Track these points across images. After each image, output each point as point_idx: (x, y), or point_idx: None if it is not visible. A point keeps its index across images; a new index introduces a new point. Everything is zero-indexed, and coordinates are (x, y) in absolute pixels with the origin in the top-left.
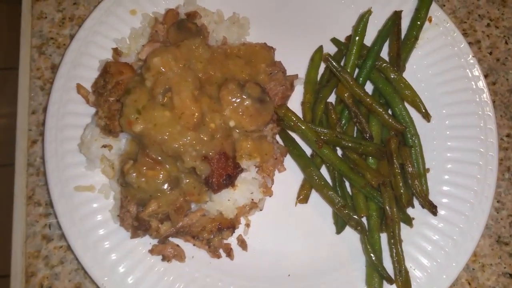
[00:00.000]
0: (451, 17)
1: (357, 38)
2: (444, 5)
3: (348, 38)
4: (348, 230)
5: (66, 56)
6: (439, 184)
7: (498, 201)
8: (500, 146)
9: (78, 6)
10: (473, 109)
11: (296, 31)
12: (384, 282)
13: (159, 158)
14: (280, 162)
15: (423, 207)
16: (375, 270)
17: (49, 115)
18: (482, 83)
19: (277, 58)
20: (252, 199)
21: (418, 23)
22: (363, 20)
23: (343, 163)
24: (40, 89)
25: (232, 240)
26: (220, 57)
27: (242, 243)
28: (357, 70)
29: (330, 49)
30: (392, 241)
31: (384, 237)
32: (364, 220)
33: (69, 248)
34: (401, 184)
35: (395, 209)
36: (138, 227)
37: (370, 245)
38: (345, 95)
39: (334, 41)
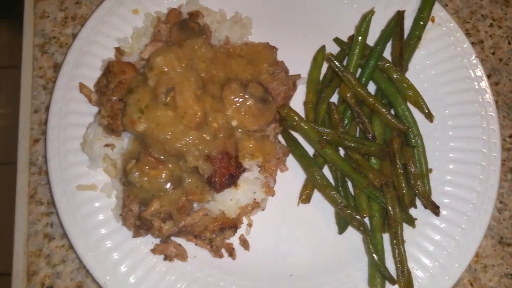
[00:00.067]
0: (454, 17)
1: (359, 38)
2: (447, 5)
3: (351, 38)
4: (350, 230)
5: (68, 55)
6: (442, 184)
7: (500, 202)
8: (503, 147)
9: (80, 5)
10: (476, 109)
11: (299, 31)
12: (387, 283)
13: (162, 157)
14: (282, 162)
15: (425, 207)
16: (377, 270)
17: (51, 114)
18: (485, 84)
19: (280, 57)
20: (255, 199)
21: (421, 23)
22: (366, 20)
23: (345, 163)
24: (42, 88)
25: (234, 240)
26: (223, 57)
27: (244, 243)
28: (359, 70)
29: (333, 49)
30: (394, 241)
31: (386, 237)
32: (366, 220)
33: (71, 247)
34: (403, 185)
35: (397, 210)
36: (140, 226)
37: (372, 245)
38: (348, 95)
39: (337, 41)
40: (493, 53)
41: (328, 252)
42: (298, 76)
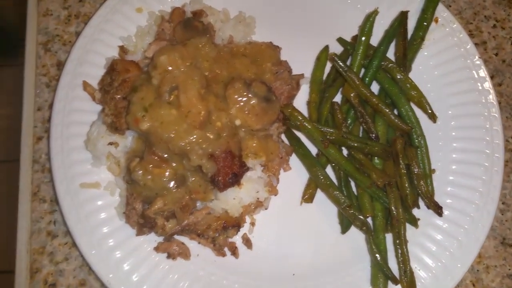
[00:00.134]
0: (457, 18)
1: (363, 38)
2: (450, 6)
3: (354, 38)
4: (353, 230)
5: (72, 53)
6: (445, 185)
7: (503, 203)
8: (506, 148)
9: (83, 3)
10: (479, 110)
11: (302, 31)
12: (389, 282)
13: (166, 156)
14: (285, 161)
15: (428, 207)
16: (380, 270)
17: (55, 112)
18: (488, 84)
19: (283, 57)
20: (258, 198)
21: (425, 23)
22: (369, 20)
23: (348, 163)
24: (45, 86)
25: (237, 239)
26: (226, 56)
27: (247, 242)
28: (363, 70)
29: (336, 48)
30: (397, 241)
31: (389, 237)
32: (369, 220)
33: (74, 244)
34: (406, 185)
35: (400, 210)
36: (144, 224)
37: (375, 245)
38: (351, 95)
39: (340, 41)
40: (496, 54)
41: (331, 251)
42: (302, 75)
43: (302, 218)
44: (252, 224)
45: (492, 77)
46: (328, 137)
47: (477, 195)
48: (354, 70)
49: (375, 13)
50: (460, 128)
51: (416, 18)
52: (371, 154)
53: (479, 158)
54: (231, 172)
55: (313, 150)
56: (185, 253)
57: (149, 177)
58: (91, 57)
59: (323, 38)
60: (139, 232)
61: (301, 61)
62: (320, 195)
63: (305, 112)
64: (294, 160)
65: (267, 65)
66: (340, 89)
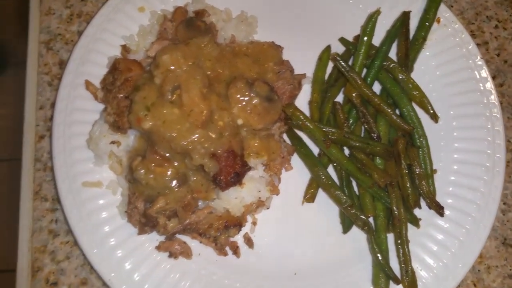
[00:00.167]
0: (459, 18)
1: (365, 38)
2: (452, 6)
3: (356, 38)
4: (354, 229)
5: (74, 52)
6: (446, 185)
7: (504, 203)
8: (507, 148)
9: (86, 2)
10: (480, 110)
11: (304, 30)
12: (391, 282)
13: (168, 155)
14: (287, 161)
15: (430, 208)
16: (381, 270)
17: (57, 111)
18: (490, 85)
19: (285, 57)
20: (259, 197)
21: (427, 24)
22: (371, 20)
23: (350, 162)
24: (47, 85)
25: (239, 238)
26: (228, 55)
27: (249, 241)
28: (365, 70)
29: (338, 48)
30: (399, 241)
31: (390, 237)
32: (371, 220)
33: (75, 243)
34: (408, 185)
35: (402, 210)
36: (146, 223)
37: (376, 245)
38: (353, 95)
39: (342, 40)
40: (498, 55)
41: (332, 251)
42: (304, 75)
43: (304, 217)
44: (254, 223)
45: (493, 78)
46: (330, 137)
47: (478, 195)
48: (356, 70)
49: (377, 13)
50: (461, 128)
51: (418, 18)
52: (373, 154)
53: (480, 158)
54: (233, 172)
55: (315, 150)
56: (186, 252)
57: (151, 176)
58: (93, 56)
59: (325, 38)
60: (141, 231)
61: (303, 61)
62: (321, 194)
63: (307, 112)
64: (295, 159)
65: (269, 65)
66: (342, 89)
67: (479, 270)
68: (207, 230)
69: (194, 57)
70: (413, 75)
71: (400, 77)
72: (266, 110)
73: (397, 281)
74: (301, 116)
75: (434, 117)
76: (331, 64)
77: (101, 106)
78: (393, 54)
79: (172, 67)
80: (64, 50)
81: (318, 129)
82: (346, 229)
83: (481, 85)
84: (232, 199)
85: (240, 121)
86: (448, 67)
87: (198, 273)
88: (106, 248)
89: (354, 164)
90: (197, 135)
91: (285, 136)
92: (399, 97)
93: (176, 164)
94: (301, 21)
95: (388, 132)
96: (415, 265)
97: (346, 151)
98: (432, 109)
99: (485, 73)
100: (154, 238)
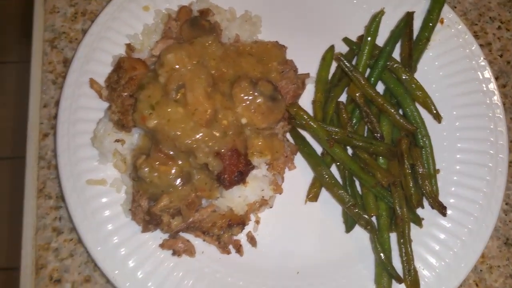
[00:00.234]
0: (463, 19)
1: (369, 38)
2: (455, 7)
3: (360, 38)
4: (357, 229)
5: (79, 51)
6: (449, 185)
7: (506, 203)
8: (510, 149)
9: (90, 1)
10: (483, 111)
11: (308, 30)
12: (393, 281)
13: (172, 153)
14: (290, 160)
15: (432, 207)
16: (384, 269)
17: (61, 109)
18: (493, 86)
19: (289, 56)
20: (263, 196)
21: (430, 24)
22: (375, 21)
23: (353, 162)
24: (52, 83)
25: (242, 237)
26: (233, 55)
27: (252, 240)
28: (368, 70)
29: (342, 48)
30: (401, 240)
31: (393, 236)
32: (374, 219)
33: (79, 241)
34: (411, 185)
35: (405, 209)
36: (150, 221)
37: (379, 244)
38: (357, 94)
39: (346, 40)
40: (501, 56)
41: (335, 250)
42: (307, 75)
43: (307, 216)
44: (257, 222)
45: (496, 78)
46: (333, 136)
47: (481, 196)
48: (360, 70)
49: (381, 13)
50: (464, 128)
51: (422, 19)
52: (376, 154)
53: (483, 159)
54: (237, 170)
55: (318, 149)
56: (190, 250)
57: (156, 174)
58: (98, 54)
59: (329, 37)
60: (145, 229)
61: (306, 60)
62: (324, 194)
63: (310, 111)
64: (299, 159)
65: (273, 64)
66: (346, 89)
67: (481, 270)
68: (210, 229)
69: (198, 56)
70: (416, 75)
71: (404, 77)
72: (270, 109)
73: (399, 280)
74: (304, 116)
75: (437, 117)
76: (335, 64)
77: (106, 105)
78: (396, 54)
79: (177, 66)
80: (69, 49)
81: (321, 129)
82: (349, 228)
83: (484, 85)
84: (236, 198)
85: (244, 120)
86: (451, 68)
87: (201, 271)
88: (110, 245)
89: (357, 164)
90: (201, 134)
91: (288, 136)
92: (402, 97)
93: (180, 162)
94: (305, 21)
95: (391, 132)
96: (417, 264)
97: (349, 151)
98: (435, 109)
99: (488, 73)
100: (158, 236)
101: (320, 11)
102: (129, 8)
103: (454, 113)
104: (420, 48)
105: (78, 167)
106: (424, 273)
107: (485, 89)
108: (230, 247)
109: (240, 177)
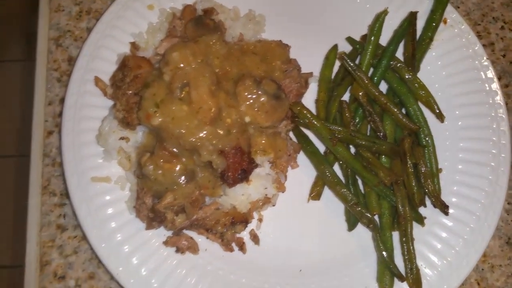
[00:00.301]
0: (466, 19)
1: (372, 37)
2: (458, 7)
3: (363, 37)
4: (360, 227)
5: (84, 49)
6: (451, 184)
7: (508, 203)
8: None
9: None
10: (486, 111)
11: (311, 29)
12: (395, 280)
13: (176, 151)
14: (293, 159)
15: (435, 206)
16: (386, 267)
17: (66, 107)
18: (495, 85)
19: (292, 55)
20: (266, 195)
21: (433, 24)
22: (379, 20)
23: (356, 161)
24: (56, 81)
25: (245, 234)
26: (237, 54)
27: (255, 238)
28: (371, 70)
29: (345, 47)
30: (404, 239)
31: (395, 235)
32: (376, 218)
33: (83, 238)
34: (413, 183)
35: (407, 208)
36: (154, 218)
37: (382, 242)
38: (360, 93)
39: (349, 40)
40: (504, 56)
41: (338, 248)
42: (310, 74)
43: (309, 215)
44: (260, 220)
45: (499, 78)
46: (336, 135)
47: (483, 195)
48: (363, 69)
49: (384, 13)
50: (467, 128)
51: (425, 19)
52: (379, 153)
53: (485, 158)
54: (240, 168)
55: (321, 148)
56: (193, 248)
57: (160, 172)
58: (102, 52)
59: (332, 37)
60: (149, 226)
61: (310, 59)
62: (327, 192)
63: (313, 110)
64: (302, 157)
65: (277, 63)
66: (349, 88)
67: (483, 269)
68: (214, 226)
69: (203, 55)
70: (419, 75)
71: (407, 76)
72: (273, 108)
73: (401, 279)
74: (307, 114)
75: (440, 116)
76: (338, 63)
77: (110, 102)
78: (400, 54)
79: (181, 65)
80: (73, 47)
81: (324, 128)
82: (351, 226)
83: (486, 85)
84: (239, 196)
85: (247, 119)
86: (454, 68)
87: (204, 268)
88: (114, 242)
89: (360, 163)
90: (205, 132)
91: (291, 134)
92: (405, 97)
93: (184, 160)
94: (308, 20)
95: (394, 131)
96: (419, 263)
97: (352, 150)
98: (438, 108)
99: (491, 73)
100: (162, 233)
101: (323, 10)
102: (133, 6)
103: (457, 112)
104: (423, 47)
105: (83, 165)
106: (426, 271)
107: (487, 89)
108: (233, 244)
109: (244, 175)
